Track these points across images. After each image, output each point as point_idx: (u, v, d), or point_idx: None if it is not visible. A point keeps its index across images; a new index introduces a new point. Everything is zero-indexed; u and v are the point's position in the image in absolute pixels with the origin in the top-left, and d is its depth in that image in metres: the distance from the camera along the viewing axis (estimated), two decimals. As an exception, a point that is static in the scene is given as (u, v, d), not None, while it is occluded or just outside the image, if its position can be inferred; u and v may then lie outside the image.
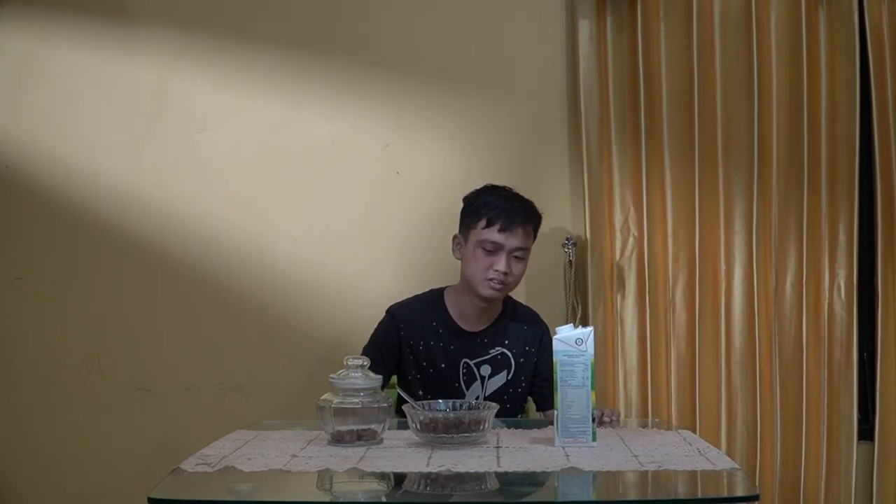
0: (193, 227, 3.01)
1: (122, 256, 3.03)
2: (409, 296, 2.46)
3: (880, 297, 2.84)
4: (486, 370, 2.37)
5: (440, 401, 2.02)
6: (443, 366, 2.35)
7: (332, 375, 1.91)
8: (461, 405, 1.98)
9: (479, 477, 1.64)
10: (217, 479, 1.64)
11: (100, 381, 3.03)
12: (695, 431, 2.32)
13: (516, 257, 2.30)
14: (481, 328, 2.39)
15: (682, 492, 1.65)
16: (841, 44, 2.84)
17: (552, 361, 1.88)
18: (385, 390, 1.97)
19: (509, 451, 1.81)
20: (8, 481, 3.05)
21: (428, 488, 1.63)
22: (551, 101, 2.97)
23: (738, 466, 1.69)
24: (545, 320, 2.49)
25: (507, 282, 2.30)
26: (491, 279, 2.28)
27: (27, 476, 3.04)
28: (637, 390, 2.86)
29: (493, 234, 2.28)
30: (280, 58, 3.01)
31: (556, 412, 1.87)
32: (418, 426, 1.87)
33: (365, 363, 1.93)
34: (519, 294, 2.61)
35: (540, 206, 2.39)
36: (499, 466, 1.69)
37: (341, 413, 1.87)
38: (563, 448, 1.84)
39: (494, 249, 2.28)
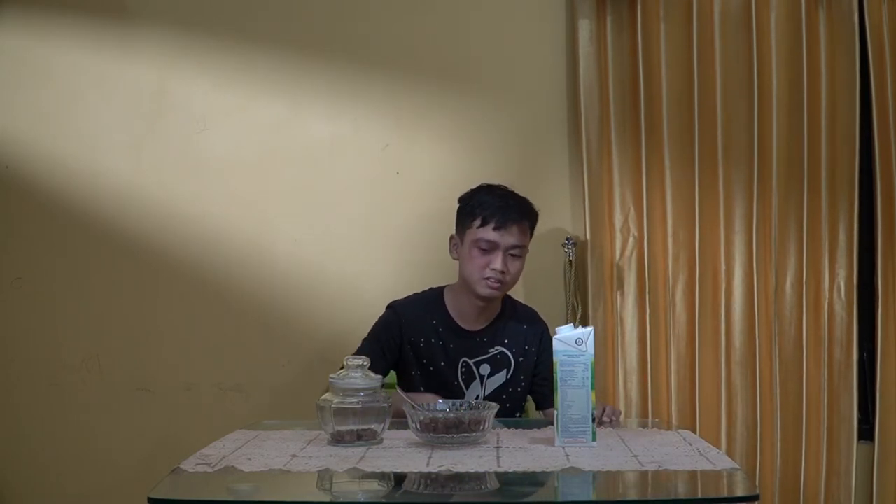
0: (193, 227, 3.01)
1: (122, 256, 3.03)
2: (409, 294, 2.47)
3: (880, 297, 2.84)
4: (485, 369, 2.37)
5: (440, 401, 2.02)
6: (442, 364, 2.35)
7: (332, 375, 1.91)
8: (461, 405, 1.98)
9: (479, 477, 1.63)
10: (217, 479, 1.64)
11: (100, 381, 3.03)
12: (695, 431, 2.32)
13: (513, 255, 2.30)
14: (480, 327, 2.39)
15: (682, 492, 1.65)
16: (841, 44, 2.84)
17: (552, 360, 1.88)
18: (384, 389, 1.97)
19: (509, 451, 1.81)
20: (8, 481, 3.05)
21: (428, 488, 1.63)
22: (551, 101, 2.97)
23: (738, 466, 1.69)
24: (545, 320, 2.48)
25: (505, 280, 2.30)
26: (488, 278, 2.28)
27: (27, 476, 3.05)
28: (637, 390, 2.86)
29: (488, 233, 2.28)
30: (280, 58, 3.01)
31: (556, 412, 1.87)
32: (418, 426, 1.87)
33: (365, 363, 1.92)
34: (518, 294, 2.61)
35: (540, 206, 2.38)
36: (499, 466, 1.69)
37: (341, 413, 1.87)
38: (563, 448, 1.84)
39: (490, 248, 2.28)
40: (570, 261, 2.89)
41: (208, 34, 3.03)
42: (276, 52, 3.01)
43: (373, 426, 1.89)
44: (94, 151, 3.03)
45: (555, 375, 1.87)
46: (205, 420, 2.95)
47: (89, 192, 3.03)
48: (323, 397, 1.90)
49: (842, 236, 2.84)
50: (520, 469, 1.67)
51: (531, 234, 2.36)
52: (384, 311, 2.42)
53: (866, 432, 2.85)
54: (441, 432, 1.84)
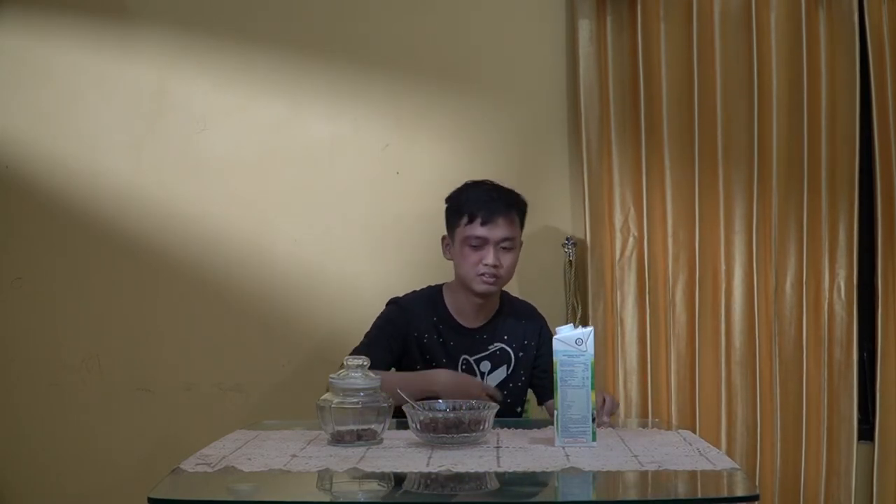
0: (193, 227, 3.01)
1: (122, 256, 3.03)
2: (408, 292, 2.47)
3: (880, 297, 2.84)
4: (485, 366, 2.37)
5: (440, 401, 2.02)
6: (443, 361, 2.35)
7: (332, 375, 1.91)
8: (461, 405, 1.98)
9: (479, 477, 1.63)
10: (217, 479, 1.64)
11: (100, 381, 3.03)
12: (695, 431, 2.32)
13: (504, 248, 2.30)
14: (479, 324, 2.39)
15: (682, 492, 1.65)
16: (841, 44, 2.84)
17: (552, 353, 1.88)
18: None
19: (509, 451, 1.81)
20: (8, 481, 3.05)
21: (428, 488, 1.63)
22: (551, 101, 2.97)
23: (738, 466, 1.69)
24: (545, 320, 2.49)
25: (499, 274, 2.30)
26: (482, 274, 2.28)
27: (27, 476, 3.04)
28: (637, 390, 2.86)
29: (476, 229, 2.28)
30: (280, 58, 3.01)
31: (556, 412, 1.87)
32: (418, 426, 1.87)
33: (364, 363, 1.93)
34: (518, 294, 2.61)
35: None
36: (499, 466, 1.69)
37: (341, 413, 1.87)
38: (563, 448, 1.84)
39: (480, 244, 2.28)
40: (570, 261, 2.89)
41: (208, 34, 3.03)
42: (276, 52, 3.01)
43: (373, 426, 1.89)
44: (94, 151, 3.03)
45: (555, 375, 1.87)
46: (205, 420, 2.95)
47: (89, 192, 3.03)
48: (323, 397, 1.90)
49: (842, 236, 2.84)
50: (520, 469, 1.67)
51: (522, 225, 2.36)
52: (385, 307, 2.42)
53: (866, 432, 2.85)
54: (441, 432, 1.84)
